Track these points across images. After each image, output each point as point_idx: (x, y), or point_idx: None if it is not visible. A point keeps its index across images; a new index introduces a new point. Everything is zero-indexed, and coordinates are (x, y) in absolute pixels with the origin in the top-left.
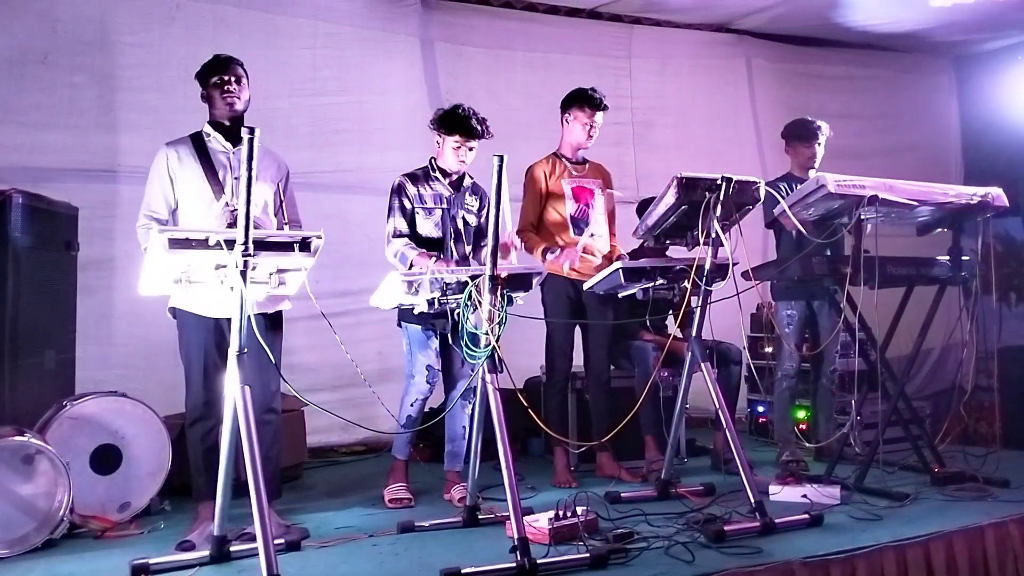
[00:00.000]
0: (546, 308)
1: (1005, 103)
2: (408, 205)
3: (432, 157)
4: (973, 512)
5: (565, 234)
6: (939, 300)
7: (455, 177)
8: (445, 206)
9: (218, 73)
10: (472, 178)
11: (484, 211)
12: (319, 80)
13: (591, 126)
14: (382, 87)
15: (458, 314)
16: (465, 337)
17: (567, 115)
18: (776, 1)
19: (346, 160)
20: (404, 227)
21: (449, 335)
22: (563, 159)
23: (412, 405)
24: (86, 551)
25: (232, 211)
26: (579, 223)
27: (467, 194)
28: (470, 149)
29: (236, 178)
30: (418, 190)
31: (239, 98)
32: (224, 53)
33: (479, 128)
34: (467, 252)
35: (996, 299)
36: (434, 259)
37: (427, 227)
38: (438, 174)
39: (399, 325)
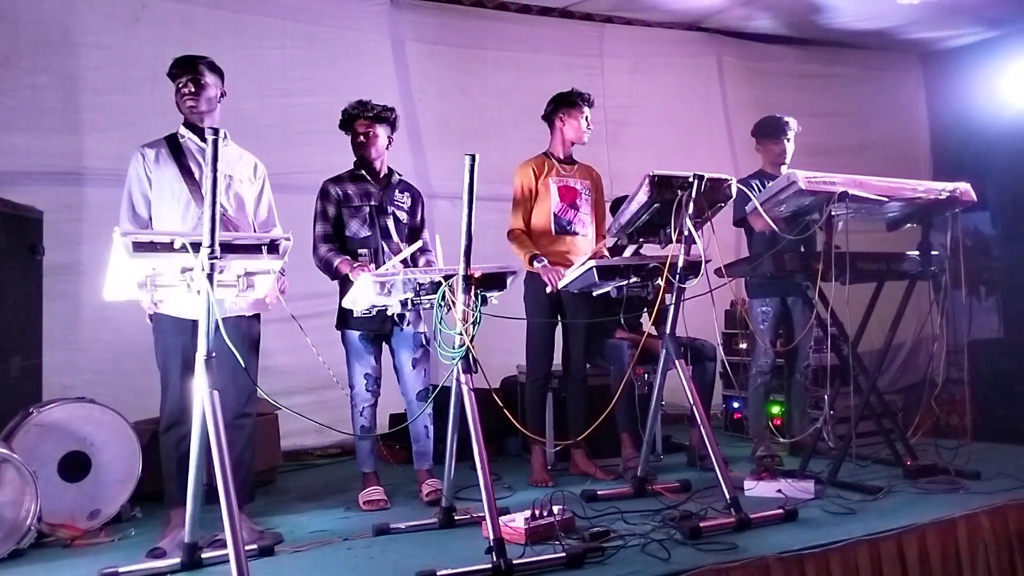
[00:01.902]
0: (527, 306)
1: (972, 99)
2: (332, 209)
3: (356, 160)
4: (945, 504)
5: (547, 237)
6: (909, 295)
7: (381, 175)
8: (374, 203)
9: (178, 76)
10: (400, 175)
11: (419, 208)
12: (289, 80)
13: (588, 121)
14: (353, 87)
15: (398, 317)
16: (439, 337)
17: (559, 117)
18: None
19: (317, 161)
20: (329, 230)
21: (391, 340)
22: (552, 158)
23: (362, 415)
24: (54, 560)
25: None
26: (562, 222)
27: (396, 191)
28: (375, 135)
29: None
30: (343, 190)
31: (200, 99)
32: (190, 53)
33: (377, 108)
34: (401, 250)
35: (965, 293)
36: (359, 264)
37: (355, 226)
38: (363, 172)
39: (337, 328)
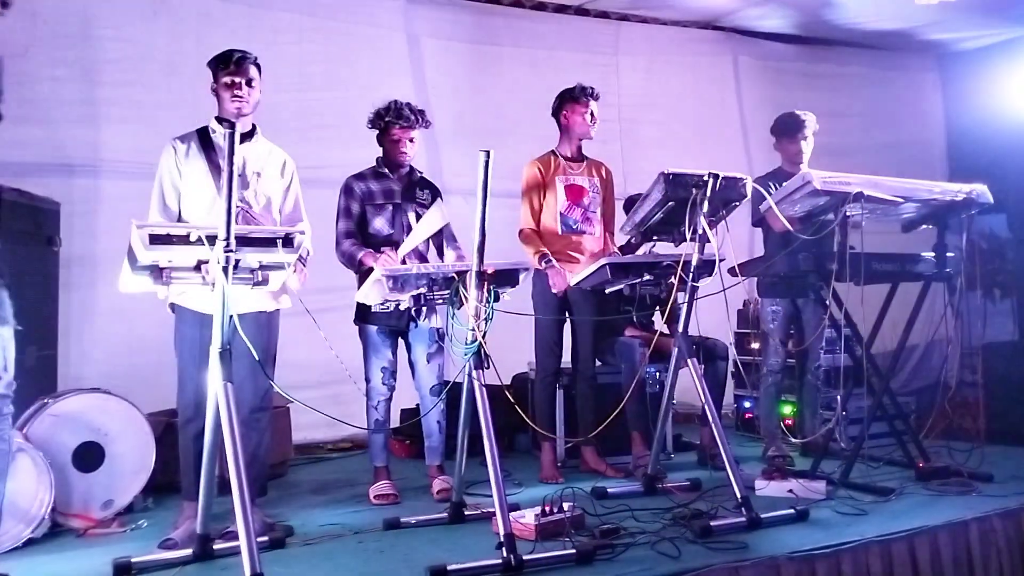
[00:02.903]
0: (535, 303)
1: (989, 100)
2: (356, 206)
3: (378, 156)
4: (957, 507)
5: (554, 236)
6: (924, 296)
7: (403, 172)
8: (397, 200)
9: (229, 73)
10: (420, 173)
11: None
12: (305, 75)
13: (592, 114)
14: (368, 83)
15: (415, 312)
16: (451, 333)
17: (564, 113)
18: None
19: (332, 156)
20: (352, 227)
21: (408, 335)
22: (560, 156)
23: (376, 408)
24: (68, 550)
25: (238, 208)
26: (568, 221)
27: (417, 188)
28: (410, 140)
29: (240, 175)
30: (367, 187)
31: (248, 102)
32: (239, 49)
33: (413, 117)
34: (422, 248)
35: (980, 295)
36: (382, 254)
37: (378, 223)
38: (386, 170)
39: (355, 322)
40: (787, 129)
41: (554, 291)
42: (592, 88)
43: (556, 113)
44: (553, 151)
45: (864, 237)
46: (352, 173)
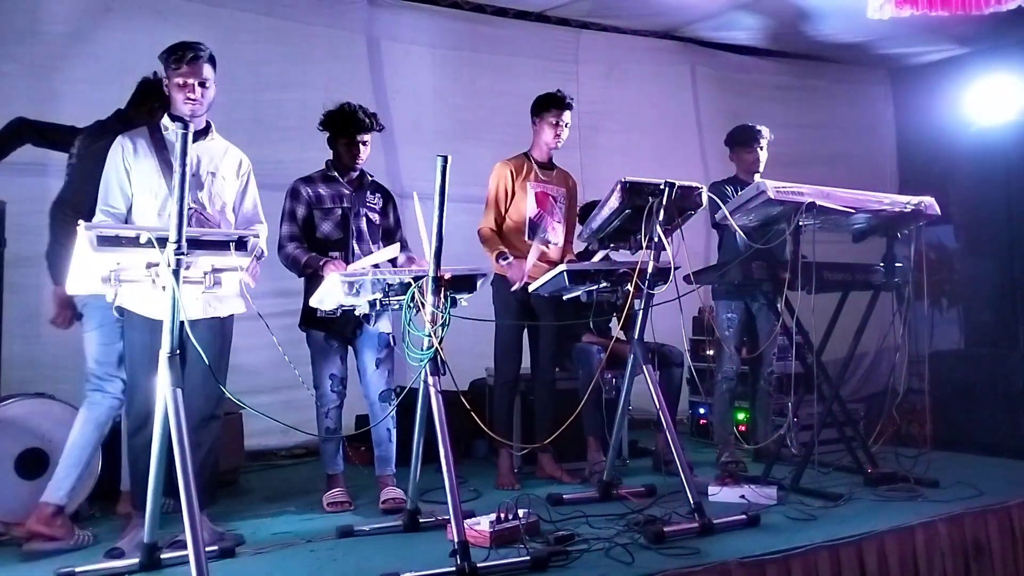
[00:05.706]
0: (496, 309)
1: (938, 115)
2: (302, 210)
3: (328, 159)
4: (904, 512)
5: (520, 238)
6: (873, 305)
7: (354, 175)
8: (346, 205)
9: (182, 73)
10: (372, 176)
11: (391, 209)
12: (261, 76)
13: (558, 124)
14: (326, 85)
15: (364, 316)
16: (408, 339)
17: (536, 119)
18: (720, 9)
19: (287, 157)
20: (296, 231)
21: (355, 340)
22: (532, 161)
23: (327, 416)
24: (10, 559)
25: (191, 209)
26: (536, 228)
27: (368, 192)
28: (363, 144)
29: (194, 175)
30: (315, 192)
31: (202, 103)
32: (193, 43)
33: (367, 121)
34: (373, 252)
35: (928, 305)
36: (327, 260)
37: (327, 228)
38: (336, 174)
39: (301, 328)
40: (743, 140)
41: (513, 287)
42: (562, 96)
43: (532, 118)
44: (526, 153)
45: (816, 247)
46: (300, 176)
